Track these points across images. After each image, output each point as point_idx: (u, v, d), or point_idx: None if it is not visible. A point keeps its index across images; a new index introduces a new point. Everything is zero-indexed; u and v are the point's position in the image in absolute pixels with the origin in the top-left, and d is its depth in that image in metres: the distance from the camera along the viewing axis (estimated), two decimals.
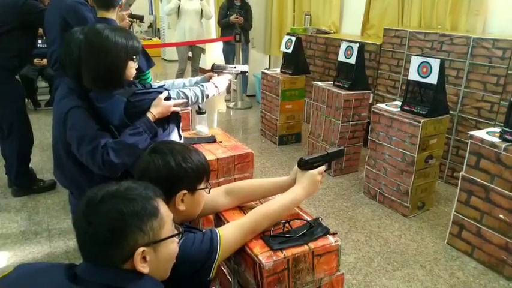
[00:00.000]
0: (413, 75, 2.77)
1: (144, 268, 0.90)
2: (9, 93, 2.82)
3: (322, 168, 1.44)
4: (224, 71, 2.00)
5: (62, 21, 2.23)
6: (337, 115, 3.48)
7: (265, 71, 4.38)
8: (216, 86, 1.91)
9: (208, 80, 2.00)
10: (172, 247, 0.97)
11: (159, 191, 0.99)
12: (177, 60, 5.67)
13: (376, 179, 3.14)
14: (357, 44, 3.35)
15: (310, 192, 1.40)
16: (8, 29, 2.68)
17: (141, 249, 0.88)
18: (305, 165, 1.42)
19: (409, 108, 2.83)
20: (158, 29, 10.20)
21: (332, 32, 4.83)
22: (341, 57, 3.51)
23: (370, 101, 3.58)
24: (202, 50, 5.57)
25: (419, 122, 2.69)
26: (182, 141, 1.92)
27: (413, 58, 2.77)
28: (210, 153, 2.01)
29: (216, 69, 2.00)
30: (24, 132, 3.01)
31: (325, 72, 4.60)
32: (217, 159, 1.96)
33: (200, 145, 2.10)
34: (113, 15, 2.08)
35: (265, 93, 4.35)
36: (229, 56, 5.57)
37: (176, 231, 1.00)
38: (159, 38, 9.70)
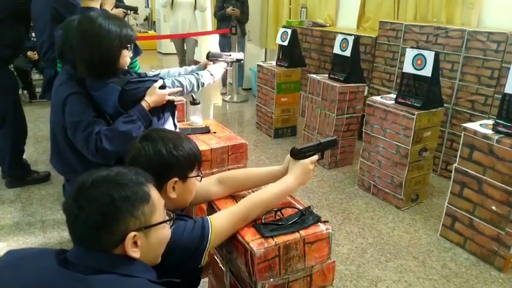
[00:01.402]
0: (407, 68, 2.78)
1: (135, 253, 0.90)
2: (1, 83, 2.80)
3: (315, 157, 1.44)
4: (219, 59, 1.99)
5: (51, 11, 2.21)
6: (332, 108, 3.48)
7: (261, 63, 4.37)
8: (211, 74, 1.91)
9: (203, 68, 2.00)
10: (163, 232, 0.98)
11: (150, 177, 0.99)
12: (172, 53, 5.67)
13: (370, 171, 3.16)
14: (352, 37, 3.35)
15: (302, 181, 1.40)
16: (0, 19, 2.66)
17: (132, 233, 0.88)
18: (298, 154, 1.42)
19: (403, 101, 2.83)
20: (154, 21, 10.14)
21: (328, 25, 4.81)
22: (336, 50, 3.51)
23: (365, 93, 3.58)
24: (196, 42, 5.55)
25: (413, 115, 2.69)
26: (177, 131, 1.92)
27: (408, 50, 2.77)
28: (204, 143, 2.01)
29: (211, 57, 1.99)
30: (17, 123, 2.99)
31: (320, 65, 4.60)
32: (211, 149, 1.96)
33: (194, 135, 2.09)
34: (96, 3, 2.08)
35: (261, 86, 4.35)
36: (225, 48, 5.53)
37: (168, 218, 1.00)
38: (155, 31, 9.65)
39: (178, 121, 2.44)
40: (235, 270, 1.39)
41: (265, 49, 6.11)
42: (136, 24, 11.13)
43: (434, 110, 2.76)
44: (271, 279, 1.24)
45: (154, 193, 0.96)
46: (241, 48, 5.61)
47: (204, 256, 1.18)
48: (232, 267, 1.41)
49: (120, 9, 3.17)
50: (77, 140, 1.58)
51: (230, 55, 2.02)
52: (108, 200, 0.86)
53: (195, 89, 1.81)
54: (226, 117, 5.30)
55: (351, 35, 3.41)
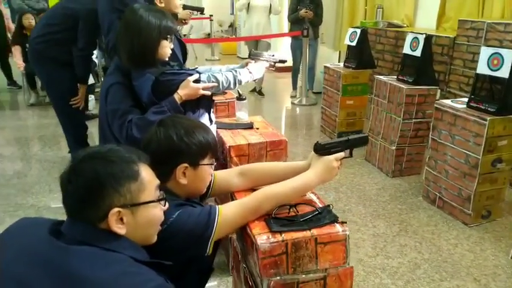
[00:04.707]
0: (482, 68, 2.49)
1: (120, 229, 0.91)
2: (57, 79, 2.96)
3: (341, 154, 1.35)
4: (261, 58, 1.97)
5: (117, 13, 2.34)
6: (398, 111, 3.26)
7: (328, 65, 4.25)
8: (250, 72, 1.89)
9: (245, 66, 1.99)
10: (153, 212, 0.97)
11: (145, 156, 0.99)
12: None
13: (436, 181, 2.88)
14: (423, 35, 3.10)
15: (323, 179, 1.32)
16: (59, 30, 2.85)
17: (116, 209, 0.89)
18: (321, 150, 1.34)
19: (475, 105, 2.54)
20: (236, 27, 10.48)
21: (405, 25, 4.53)
22: (406, 50, 3.28)
23: (437, 97, 3.29)
24: (269, 45, 5.59)
25: (486, 120, 2.40)
26: (214, 126, 1.93)
27: (483, 49, 2.49)
28: (244, 138, 2.00)
29: (252, 56, 1.98)
30: (73, 117, 3.12)
31: (394, 68, 4.34)
32: (249, 144, 1.94)
33: (236, 130, 2.10)
34: None
35: (327, 88, 4.23)
36: (297, 51, 5.51)
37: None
38: (236, 36, 9.95)
39: (229, 117, 2.48)
40: (248, 265, 1.35)
41: (339, 52, 5.94)
42: (221, 31, 11.62)
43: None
44: (278, 277, 1.18)
45: (145, 172, 0.96)
46: (313, 51, 5.54)
47: (209, 244, 1.16)
48: (246, 261, 1.37)
49: (187, 10, 3.31)
50: (114, 127, 1.67)
51: (273, 55, 1.99)
52: (93, 175, 0.89)
53: (232, 86, 1.80)
54: (294, 119, 5.26)
55: (422, 34, 3.16)
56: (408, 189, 3.22)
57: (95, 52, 4.93)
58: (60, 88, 3.06)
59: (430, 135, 2.89)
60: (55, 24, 2.88)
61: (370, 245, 2.47)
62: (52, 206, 2.95)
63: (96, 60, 5.36)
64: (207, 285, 2.00)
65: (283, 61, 2.01)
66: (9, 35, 5.86)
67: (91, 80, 4.39)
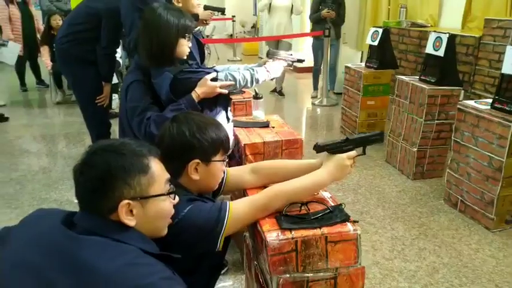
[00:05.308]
0: (507, 68, 2.42)
1: (129, 221, 0.93)
2: (82, 78, 3.00)
3: (353, 153, 1.34)
4: (279, 57, 1.97)
5: (139, 12, 2.38)
6: (420, 112, 3.19)
7: (349, 65, 4.21)
8: (267, 71, 1.89)
9: (263, 65, 1.99)
10: (162, 205, 0.99)
11: (156, 150, 1.01)
12: None
13: (458, 184, 2.81)
14: (447, 35, 3.03)
15: (335, 177, 1.31)
16: (84, 29, 2.89)
17: (125, 201, 0.91)
18: (320, 151, 1.34)
19: (500, 106, 2.46)
20: (258, 28, 10.50)
21: (429, 25, 4.44)
22: (429, 50, 3.21)
23: (461, 98, 3.21)
24: (290, 46, 5.57)
25: (510, 122, 2.33)
26: (230, 124, 1.95)
27: (508, 48, 2.41)
28: (259, 136, 2.01)
29: (270, 55, 1.98)
30: (97, 115, 3.13)
31: (417, 68, 4.26)
32: (264, 142, 1.95)
33: (252, 129, 2.11)
34: None
35: (347, 89, 4.18)
36: (318, 51, 5.48)
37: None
38: (257, 36, 9.97)
39: (246, 115, 2.49)
40: (259, 262, 1.35)
41: (362, 52, 5.87)
42: (244, 32, 11.67)
43: None
44: (287, 275, 1.18)
45: (155, 166, 0.98)
46: (335, 51, 5.50)
47: (219, 240, 1.17)
48: (257, 258, 1.38)
49: (208, 10, 3.34)
50: (133, 124, 1.71)
51: (291, 54, 1.99)
52: (105, 167, 0.91)
53: (249, 85, 1.81)
54: (314, 120, 5.23)
55: (445, 33, 3.09)
56: (429, 192, 3.15)
57: (119, 52, 5.04)
58: (85, 87, 3.12)
59: (453, 137, 2.82)
60: (79, 23, 2.94)
61: (388, 248, 2.43)
62: (75, 201, 3.02)
63: (120, 60, 5.48)
64: (221, 283, 2.03)
65: (301, 60, 2.01)
66: (38, 36, 6.07)
67: (115, 80, 4.49)
